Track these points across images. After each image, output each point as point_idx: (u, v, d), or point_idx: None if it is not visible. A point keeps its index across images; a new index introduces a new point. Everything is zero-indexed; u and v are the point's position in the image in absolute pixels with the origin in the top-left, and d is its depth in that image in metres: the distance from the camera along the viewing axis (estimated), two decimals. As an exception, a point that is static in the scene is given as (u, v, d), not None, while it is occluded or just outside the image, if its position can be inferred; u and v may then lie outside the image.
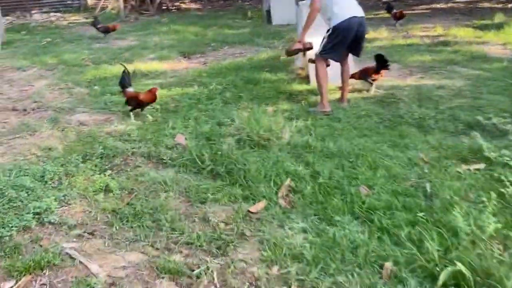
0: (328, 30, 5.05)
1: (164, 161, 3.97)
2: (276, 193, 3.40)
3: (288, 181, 3.53)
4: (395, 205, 3.14)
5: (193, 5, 19.03)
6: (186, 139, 4.38)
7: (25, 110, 5.56)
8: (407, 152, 4.01)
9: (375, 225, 2.96)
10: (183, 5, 18.83)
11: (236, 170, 3.68)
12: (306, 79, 6.34)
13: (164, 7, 17.65)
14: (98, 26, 10.87)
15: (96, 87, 6.51)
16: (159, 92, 5.75)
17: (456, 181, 3.46)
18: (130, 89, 5.25)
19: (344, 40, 5.00)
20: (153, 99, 5.11)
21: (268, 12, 12.64)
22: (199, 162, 3.85)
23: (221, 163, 3.79)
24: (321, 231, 2.94)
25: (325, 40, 5.06)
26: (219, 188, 3.49)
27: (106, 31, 10.73)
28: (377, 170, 3.67)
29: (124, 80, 5.23)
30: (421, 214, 2.98)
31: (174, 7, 18.23)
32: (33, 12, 15.64)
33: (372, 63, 5.87)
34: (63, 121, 5.08)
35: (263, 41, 9.70)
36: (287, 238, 2.87)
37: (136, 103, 5.09)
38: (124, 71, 5.32)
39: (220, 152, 3.90)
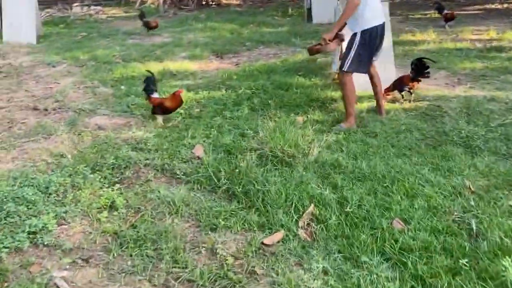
0: (354, 36, 4.51)
1: (178, 176, 3.64)
2: (297, 222, 3.00)
3: (311, 208, 3.12)
4: (434, 247, 2.69)
5: (233, 1, 18.71)
6: (204, 151, 4.03)
7: (46, 109, 5.37)
8: (451, 178, 3.52)
9: (408, 271, 2.52)
10: (223, 0, 18.54)
11: (254, 191, 3.31)
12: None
13: (204, 2, 17.44)
14: (144, 19, 10.67)
15: (122, 87, 6.28)
16: (185, 95, 5.46)
17: (508, 218, 2.96)
18: (156, 95, 4.94)
19: (371, 49, 4.53)
20: (179, 104, 4.79)
21: (309, 9, 12.15)
22: (215, 179, 3.50)
23: (238, 182, 3.42)
24: (345, 274, 2.53)
25: (350, 51, 4.50)
26: (233, 212, 3.12)
27: (147, 26, 10.52)
28: (415, 199, 3.21)
29: (148, 87, 4.92)
30: (464, 261, 2.52)
31: (214, 3, 17.98)
32: (74, 5, 15.72)
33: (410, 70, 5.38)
34: (81, 124, 4.84)
35: (300, 41, 9.25)
36: (304, 281, 2.48)
37: (162, 111, 4.78)
38: (148, 77, 5.02)
39: (238, 170, 3.53)
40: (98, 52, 8.51)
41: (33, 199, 3.23)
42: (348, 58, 4.50)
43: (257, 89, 5.89)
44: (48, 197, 3.33)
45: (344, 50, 4.78)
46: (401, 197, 3.24)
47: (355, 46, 4.48)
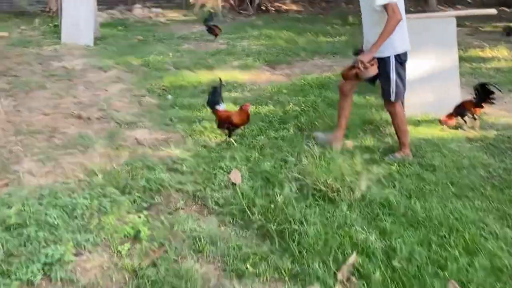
0: (385, 61, 3.97)
1: (209, 206, 3.36)
2: (335, 274, 2.64)
3: (353, 257, 2.74)
4: (497, 323, 2.25)
5: (293, 7, 18.37)
6: (242, 176, 3.74)
7: (88, 118, 5.28)
8: (521, 232, 3.02)
9: None
10: (283, 6, 18.26)
11: (290, 231, 2.97)
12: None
13: (263, 8, 17.23)
14: (209, 24, 10.47)
15: (169, 97, 6.12)
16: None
17: None
18: (222, 107, 4.58)
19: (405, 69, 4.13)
20: (246, 120, 4.42)
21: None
22: (249, 213, 3.19)
23: (273, 218, 3.10)
24: None
25: (389, 78, 3.99)
26: (264, 256, 2.80)
27: (212, 32, 10.33)
28: (476, 256, 2.76)
29: (215, 98, 4.55)
30: None
31: (273, 8, 17.73)
32: (135, 6, 15.96)
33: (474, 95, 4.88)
34: (120, 137, 4.69)
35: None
36: None
37: (227, 126, 4.46)
38: (215, 86, 4.67)
39: (274, 204, 3.21)
40: (151, 57, 8.45)
41: (56, 223, 3.06)
42: (392, 86, 4.02)
43: (306, 106, 5.54)
44: (72, 220, 3.15)
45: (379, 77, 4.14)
46: (459, 251, 2.80)
47: (392, 71, 3.99)
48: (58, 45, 9.53)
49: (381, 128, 4.87)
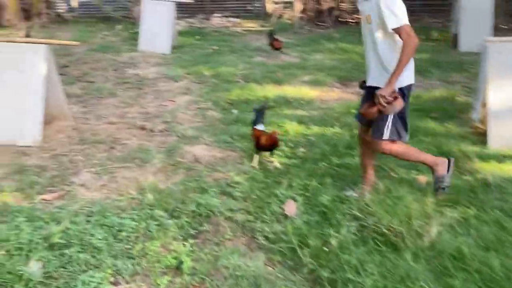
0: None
1: (259, 240, 3.12)
2: None
3: (413, 321, 2.38)
4: None
5: (374, 19, 17.73)
6: (297, 208, 3.47)
7: (152, 130, 5.25)
8: None
9: None
10: (363, 18, 17.68)
11: (344, 280, 2.66)
12: (483, 138, 4.87)
13: (342, 20, 16.79)
14: (271, 38, 10.35)
15: (233, 111, 5.98)
16: (294, 129, 4.99)
17: None
18: (261, 127, 4.45)
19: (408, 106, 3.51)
20: (271, 145, 4.27)
21: (456, 36, 10.87)
22: (300, 253, 2.91)
23: (326, 263, 2.80)
24: None
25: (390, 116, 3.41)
26: (312, 308, 2.52)
27: (272, 46, 10.20)
28: None
29: (257, 119, 4.47)
30: None
31: (353, 20, 17.23)
32: (213, 15, 16.16)
33: None
34: (179, 153, 4.59)
35: (440, 73, 8.19)
36: None
37: (256, 146, 4.33)
38: (260, 108, 4.59)
39: (328, 246, 2.90)
40: (222, 69, 8.40)
41: (99, 245, 2.97)
42: (387, 122, 3.40)
43: (376, 131, 5.14)
44: (117, 243, 3.04)
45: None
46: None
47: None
48: (135, 52, 9.78)
49: (460, 162, 4.37)
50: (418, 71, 8.36)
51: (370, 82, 3.55)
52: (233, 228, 3.26)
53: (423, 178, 4.00)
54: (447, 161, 3.61)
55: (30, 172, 4.09)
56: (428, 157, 3.64)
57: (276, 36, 10.35)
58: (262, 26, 15.40)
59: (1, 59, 4.74)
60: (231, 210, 3.45)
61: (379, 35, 3.36)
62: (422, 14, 17.54)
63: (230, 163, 4.36)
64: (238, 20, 16.00)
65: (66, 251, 2.88)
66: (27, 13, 14.74)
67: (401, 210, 3.22)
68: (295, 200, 3.56)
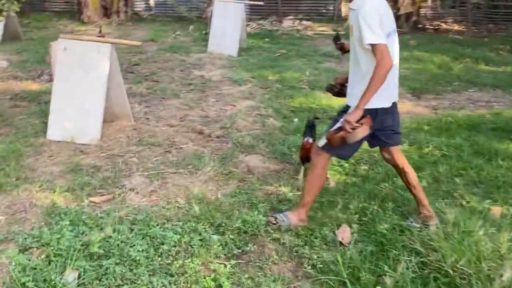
0: (347, 108, 3.16)
1: (305, 268, 2.87)
2: None
3: None
4: None
5: (455, 27, 16.76)
6: (352, 234, 3.17)
7: (209, 136, 5.13)
8: None
9: None
10: (443, 25, 16.76)
11: (396, 327, 2.35)
12: None
13: (420, 26, 15.99)
14: (338, 42, 10.03)
15: (294, 120, 5.74)
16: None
17: None
18: (309, 140, 4.19)
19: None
20: (303, 155, 4.10)
21: (546, 47, 9.97)
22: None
23: (377, 303, 2.50)
24: None
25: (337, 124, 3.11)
26: None
27: (341, 49, 9.85)
28: None
29: (308, 133, 4.23)
30: None
31: (431, 27, 16.37)
32: (286, 18, 15.97)
33: None
34: (233, 162, 4.42)
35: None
36: None
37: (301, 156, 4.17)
38: (311, 123, 4.34)
39: (381, 287, 2.59)
40: (288, 74, 8.18)
41: (138, 258, 2.85)
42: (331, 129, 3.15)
43: (449, 151, 4.70)
44: (157, 257, 2.91)
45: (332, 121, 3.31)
46: None
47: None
48: (203, 54, 9.80)
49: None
50: (500, 86, 7.77)
51: (347, 100, 3.25)
52: (279, 252, 3.03)
53: (497, 210, 3.57)
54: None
55: (84, 172, 4.09)
56: (311, 200, 3.33)
57: (342, 41, 9.97)
58: (334, 30, 14.99)
59: (67, 57, 4.80)
60: (279, 231, 3.22)
61: (359, 49, 3.03)
62: (507, 23, 16.34)
63: (284, 177, 4.13)
64: (309, 23, 15.70)
65: (104, 262, 2.79)
66: (106, 11, 15.35)
67: (470, 247, 2.83)
68: (350, 226, 3.26)
